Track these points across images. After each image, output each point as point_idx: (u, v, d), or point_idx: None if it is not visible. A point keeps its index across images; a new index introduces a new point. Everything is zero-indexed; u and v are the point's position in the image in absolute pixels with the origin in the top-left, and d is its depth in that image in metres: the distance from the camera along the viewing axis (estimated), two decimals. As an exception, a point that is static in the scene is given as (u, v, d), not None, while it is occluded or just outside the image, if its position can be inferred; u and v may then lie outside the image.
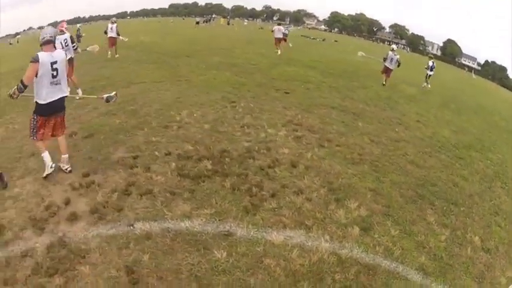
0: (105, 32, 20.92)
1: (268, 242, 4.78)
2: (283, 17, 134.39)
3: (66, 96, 6.72)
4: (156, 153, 7.20)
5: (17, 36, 75.86)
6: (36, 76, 6.20)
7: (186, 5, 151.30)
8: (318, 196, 5.97)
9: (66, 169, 6.78)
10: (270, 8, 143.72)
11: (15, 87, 6.28)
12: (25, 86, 6.27)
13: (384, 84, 17.90)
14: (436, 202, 6.47)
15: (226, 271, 4.29)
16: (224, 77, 14.74)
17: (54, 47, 7.37)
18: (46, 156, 6.78)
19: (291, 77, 15.95)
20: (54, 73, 6.29)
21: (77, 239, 5.14)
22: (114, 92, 8.15)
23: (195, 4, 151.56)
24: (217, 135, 8.05)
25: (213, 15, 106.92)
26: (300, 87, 13.89)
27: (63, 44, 11.51)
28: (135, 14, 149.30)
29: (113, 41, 20.98)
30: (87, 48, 13.78)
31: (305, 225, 5.20)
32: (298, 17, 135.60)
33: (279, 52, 25.61)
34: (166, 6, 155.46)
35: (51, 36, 6.35)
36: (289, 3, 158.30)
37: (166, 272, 4.30)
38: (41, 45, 6.27)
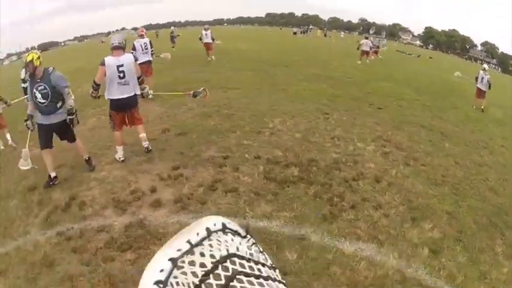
0: (200, 39, 22.05)
1: (339, 251, 4.82)
2: (379, 30, 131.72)
3: (137, 95, 7.47)
4: (246, 155, 7.43)
5: (110, 35, 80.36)
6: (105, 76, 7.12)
7: (282, 15, 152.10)
8: (396, 213, 5.89)
9: (146, 146, 7.59)
10: (366, 21, 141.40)
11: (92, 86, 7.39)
12: (97, 85, 7.31)
13: (482, 110, 16.35)
14: (507, 232, 6.08)
15: (293, 272, 4.40)
16: (320, 89, 14.64)
17: (136, 51, 9.61)
18: (120, 149, 7.65)
19: (385, 92, 15.62)
20: (121, 75, 7.08)
21: (157, 222, 5.47)
22: (202, 88, 8.61)
23: (292, 14, 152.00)
24: (307, 145, 8.12)
25: (310, 26, 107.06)
26: (392, 104, 13.59)
27: (143, 47, 12.47)
28: (232, 22, 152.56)
29: (208, 46, 22.26)
30: (161, 55, 14.70)
31: (378, 239, 5.17)
32: (393, 32, 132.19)
33: (364, 62, 25.68)
34: (263, 15, 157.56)
35: (119, 43, 7.18)
36: (385, 17, 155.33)
37: (237, 263, 4.47)
38: (111, 50, 7.17)
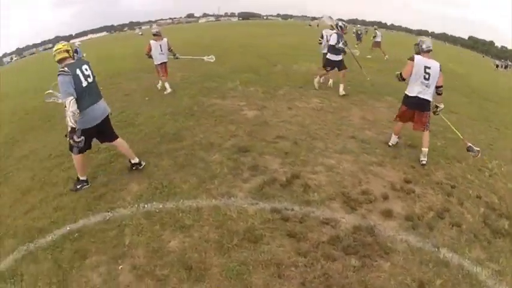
0: (374, 37, 25.34)
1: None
2: None
3: (430, 101, 6.92)
4: (470, 191, 6.43)
5: (315, 20, 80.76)
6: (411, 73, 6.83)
7: (483, 42, 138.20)
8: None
9: (421, 161, 6.98)
10: None
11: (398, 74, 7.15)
12: (403, 79, 7.04)
13: None
14: None
15: None
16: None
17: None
18: (394, 138, 7.79)
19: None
20: (427, 76, 6.72)
21: (386, 234, 4.84)
22: (478, 149, 7.42)
23: (492, 43, 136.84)
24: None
25: (508, 62, 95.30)
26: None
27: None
28: (435, 36, 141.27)
29: (377, 45, 25.03)
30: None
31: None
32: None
33: None
34: (466, 37, 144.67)
35: (430, 48, 6.83)
36: None
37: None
38: (423, 52, 6.84)
